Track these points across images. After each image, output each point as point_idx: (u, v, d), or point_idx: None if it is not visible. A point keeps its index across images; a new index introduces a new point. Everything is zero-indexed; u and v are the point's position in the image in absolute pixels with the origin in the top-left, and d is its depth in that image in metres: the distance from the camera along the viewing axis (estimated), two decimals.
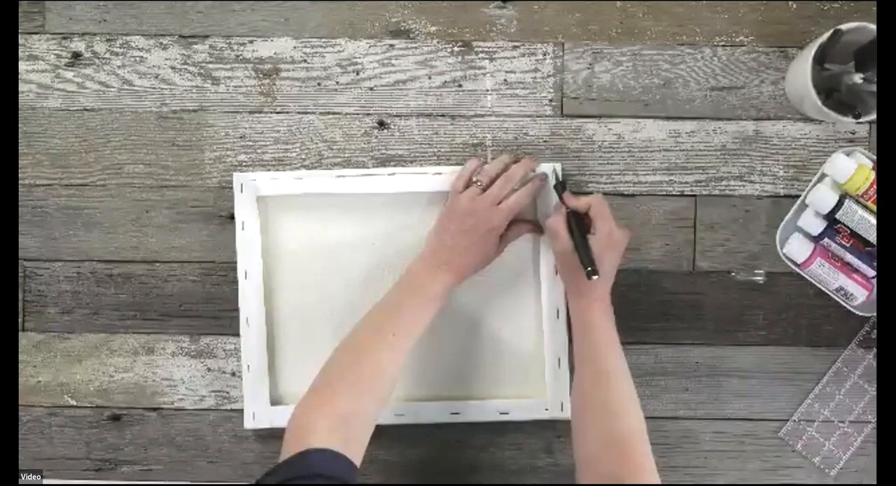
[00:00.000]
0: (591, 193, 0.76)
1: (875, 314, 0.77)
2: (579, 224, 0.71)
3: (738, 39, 0.78)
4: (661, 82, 0.78)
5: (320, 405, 0.63)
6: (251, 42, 0.79)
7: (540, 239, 0.78)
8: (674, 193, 0.79)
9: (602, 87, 0.78)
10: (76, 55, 0.79)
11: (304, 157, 0.79)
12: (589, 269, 0.68)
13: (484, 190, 0.73)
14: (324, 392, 0.65)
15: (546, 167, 0.76)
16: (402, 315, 0.70)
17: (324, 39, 0.79)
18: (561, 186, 0.75)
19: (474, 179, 0.74)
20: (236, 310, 0.78)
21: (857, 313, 0.75)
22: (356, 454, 0.62)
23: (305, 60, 0.79)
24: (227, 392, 0.80)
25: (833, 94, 0.72)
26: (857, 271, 0.75)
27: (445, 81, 0.79)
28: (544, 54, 0.78)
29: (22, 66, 0.79)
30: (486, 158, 0.77)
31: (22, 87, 0.79)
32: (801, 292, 0.78)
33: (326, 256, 0.79)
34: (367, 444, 0.64)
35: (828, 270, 0.74)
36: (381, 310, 0.71)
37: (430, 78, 0.79)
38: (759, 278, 0.79)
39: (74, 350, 0.80)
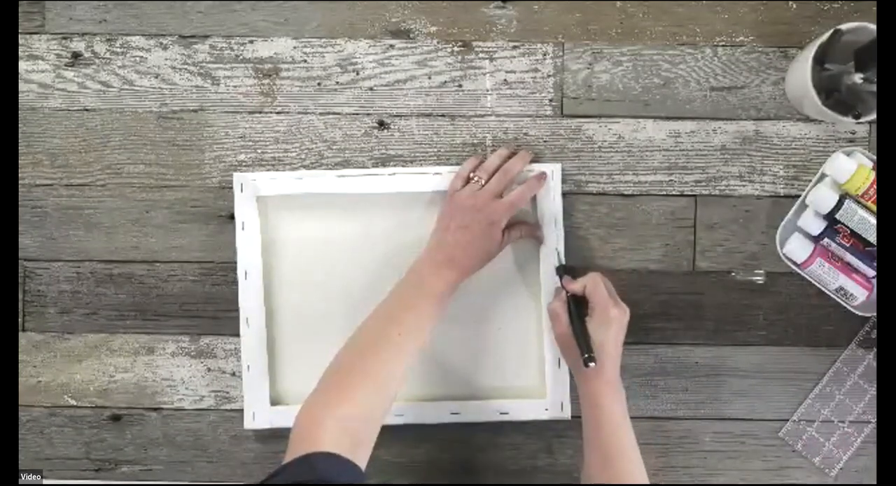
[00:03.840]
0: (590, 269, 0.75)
1: (875, 314, 0.77)
2: (579, 308, 0.71)
3: (738, 39, 0.78)
4: (661, 82, 0.78)
5: (327, 406, 0.63)
6: (251, 42, 0.79)
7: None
8: (674, 193, 0.79)
9: (602, 87, 0.78)
10: (76, 55, 0.79)
11: (303, 157, 0.79)
12: (585, 356, 0.67)
13: (482, 186, 0.73)
14: (330, 393, 0.64)
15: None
16: (408, 314, 0.70)
17: (324, 39, 0.79)
18: (562, 270, 0.75)
19: (473, 176, 0.74)
20: (236, 310, 0.78)
21: (857, 313, 0.75)
22: (363, 457, 0.61)
23: (305, 60, 0.79)
24: (227, 392, 0.80)
25: (833, 94, 0.72)
26: (857, 271, 0.75)
27: (445, 81, 0.79)
28: (544, 54, 0.78)
29: (22, 66, 0.79)
30: (484, 158, 0.77)
31: (22, 87, 0.79)
32: (801, 292, 0.78)
33: (326, 256, 0.79)
34: (373, 445, 0.64)
35: (828, 270, 0.74)
36: (385, 309, 0.70)
37: (429, 78, 0.79)
38: (759, 278, 0.79)
39: (74, 350, 0.80)
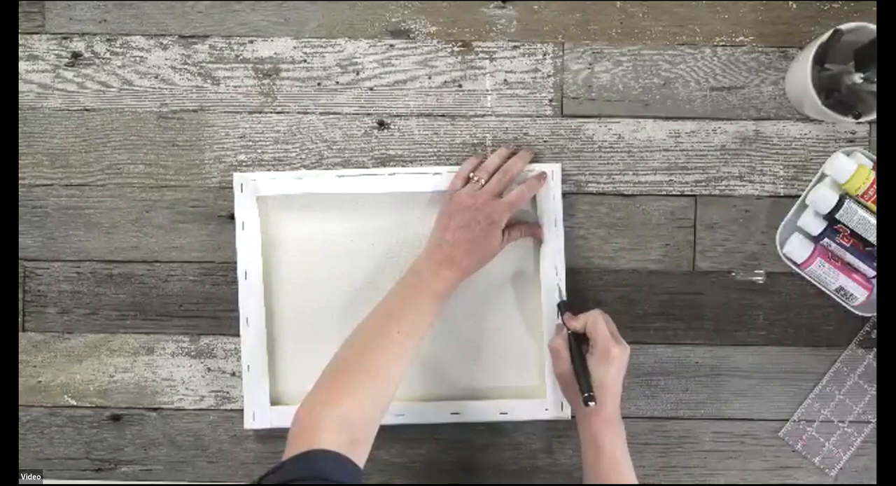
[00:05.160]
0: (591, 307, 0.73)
1: (875, 314, 0.77)
2: (580, 345, 0.71)
3: (738, 39, 0.78)
4: (661, 82, 0.78)
5: (326, 404, 0.63)
6: (251, 42, 0.79)
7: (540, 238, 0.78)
8: (674, 193, 0.79)
9: (602, 87, 0.78)
10: (76, 55, 0.79)
11: (303, 157, 0.79)
12: (585, 395, 0.67)
13: (482, 186, 0.73)
14: (329, 390, 0.64)
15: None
16: (407, 313, 0.69)
17: (324, 39, 0.79)
18: (563, 306, 0.75)
19: (473, 176, 0.74)
20: (236, 310, 0.78)
21: (857, 313, 0.75)
22: (361, 455, 0.61)
23: (305, 60, 0.79)
24: (227, 392, 0.80)
25: (833, 94, 0.72)
26: (857, 271, 0.75)
27: (445, 81, 0.79)
28: (544, 54, 0.78)
29: (22, 66, 0.79)
30: (484, 158, 0.77)
31: (22, 87, 0.79)
32: (801, 292, 0.78)
33: (326, 255, 0.79)
34: (371, 443, 0.64)
35: (828, 270, 0.74)
36: (385, 308, 0.70)
37: (429, 78, 0.79)
38: (759, 278, 0.79)
39: (74, 350, 0.80)
